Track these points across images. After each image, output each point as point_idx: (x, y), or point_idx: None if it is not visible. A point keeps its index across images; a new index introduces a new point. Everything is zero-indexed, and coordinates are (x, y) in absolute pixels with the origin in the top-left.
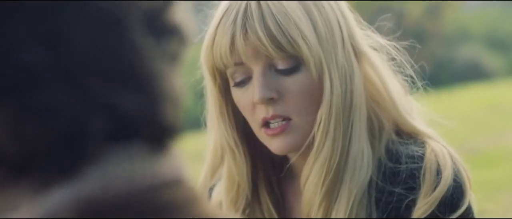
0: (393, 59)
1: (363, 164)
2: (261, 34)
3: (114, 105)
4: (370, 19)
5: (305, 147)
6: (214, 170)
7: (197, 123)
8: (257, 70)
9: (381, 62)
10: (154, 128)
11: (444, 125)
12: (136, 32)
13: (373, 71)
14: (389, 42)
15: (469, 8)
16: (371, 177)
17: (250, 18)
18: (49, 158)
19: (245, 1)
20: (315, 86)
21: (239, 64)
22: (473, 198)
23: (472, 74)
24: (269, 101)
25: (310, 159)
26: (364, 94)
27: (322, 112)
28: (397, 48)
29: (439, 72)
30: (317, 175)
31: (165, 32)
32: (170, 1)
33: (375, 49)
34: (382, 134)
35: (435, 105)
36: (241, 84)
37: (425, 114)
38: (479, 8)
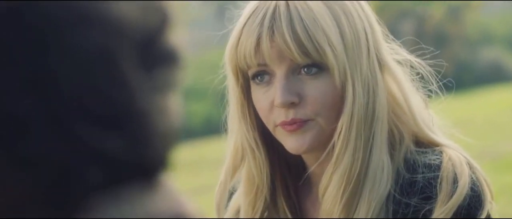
0: (418, 73)
1: (383, 176)
2: (288, 37)
3: (104, 150)
4: (393, 22)
5: (324, 156)
6: (235, 170)
7: (219, 129)
8: (280, 73)
9: (403, 75)
10: (145, 167)
11: (466, 130)
12: (127, 68)
13: (396, 84)
14: (415, 59)
15: (491, 10)
16: (389, 189)
17: (278, 20)
18: (35, 210)
19: (274, 3)
20: (337, 93)
21: (263, 65)
22: (494, 208)
23: (495, 76)
24: (290, 105)
25: (330, 168)
26: (386, 107)
27: (343, 121)
28: (422, 64)
29: (461, 75)
30: (336, 186)
31: (158, 61)
32: (165, 24)
33: (399, 63)
34: (402, 146)
35: (458, 108)
36: (262, 84)
37: (447, 122)
38: (501, 10)
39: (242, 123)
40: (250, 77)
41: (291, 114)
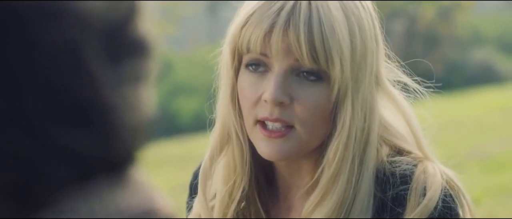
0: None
1: (369, 205)
2: (302, 36)
3: (72, 145)
4: (384, 22)
5: (310, 182)
6: (222, 147)
7: (208, 125)
8: (279, 69)
9: (401, 97)
10: (114, 162)
11: (456, 130)
12: (93, 61)
13: (393, 105)
14: (416, 86)
15: (482, 11)
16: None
17: (296, 15)
18: (1, 208)
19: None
20: (328, 107)
21: (264, 55)
22: None
23: (485, 77)
24: (279, 103)
25: (318, 193)
26: (377, 129)
27: (340, 142)
28: (417, 87)
29: (451, 75)
30: (326, 216)
31: (126, 52)
32: (132, 14)
33: (393, 82)
34: (377, 160)
35: (448, 108)
36: (255, 74)
37: (436, 123)
38: (492, 12)
39: (230, 107)
40: (245, 62)
41: (276, 113)
